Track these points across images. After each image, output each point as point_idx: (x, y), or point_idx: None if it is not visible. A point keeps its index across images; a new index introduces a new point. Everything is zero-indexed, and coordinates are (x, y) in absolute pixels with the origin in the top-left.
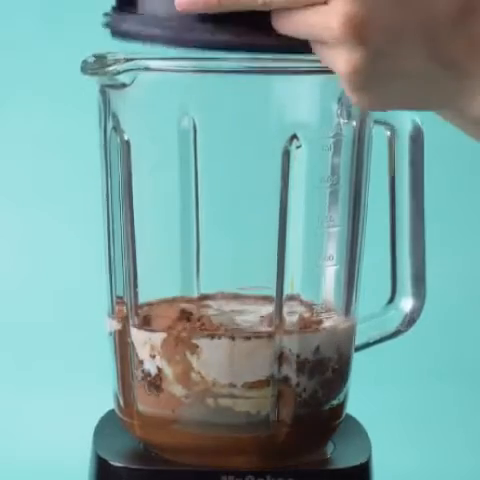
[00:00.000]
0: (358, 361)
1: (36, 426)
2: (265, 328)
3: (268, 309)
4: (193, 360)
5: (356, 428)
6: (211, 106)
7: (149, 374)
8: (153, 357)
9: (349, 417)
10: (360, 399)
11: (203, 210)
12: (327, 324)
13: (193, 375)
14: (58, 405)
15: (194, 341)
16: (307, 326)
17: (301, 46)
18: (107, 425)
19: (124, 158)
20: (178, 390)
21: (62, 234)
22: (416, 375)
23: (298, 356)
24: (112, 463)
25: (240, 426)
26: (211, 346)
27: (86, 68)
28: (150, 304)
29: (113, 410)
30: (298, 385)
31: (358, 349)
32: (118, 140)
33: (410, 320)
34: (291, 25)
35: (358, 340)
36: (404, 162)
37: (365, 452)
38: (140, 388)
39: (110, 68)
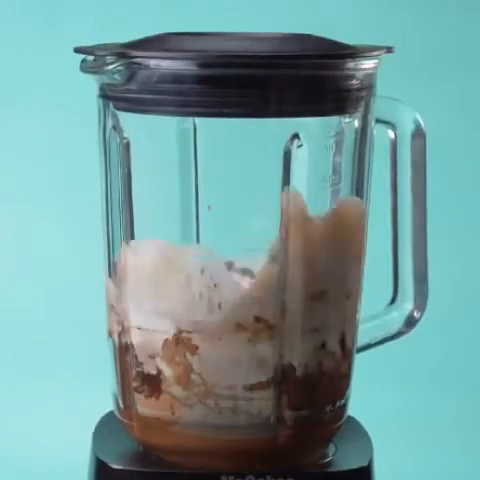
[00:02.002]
0: (360, 362)
1: (35, 427)
2: None
3: None
4: (193, 361)
5: (358, 430)
6: None
7: (148, 375)
8: (153, 358)
9: (351, 419)
10: (362, 401)
11: (203, 209)
12: None
13: (193, 376)
14: (57, 406)
15: (194, 342)
16: None
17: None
18: (106, 427)
19: (124, 157)
20: (178, 392)
21: (62, 234)
22: (419, 377)
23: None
24: (111, 465)
25: (241, 428)
26: (211, 347)
27: (85, 67)
28: None
29: (112, 411)
30: (300, 387)
31: (360, 350)
32: (117, 139)
33: (412, 321)
34: None
35: (360, 341)
36: (406, 161)
37: (367, 454)
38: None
39: (109, 66)
